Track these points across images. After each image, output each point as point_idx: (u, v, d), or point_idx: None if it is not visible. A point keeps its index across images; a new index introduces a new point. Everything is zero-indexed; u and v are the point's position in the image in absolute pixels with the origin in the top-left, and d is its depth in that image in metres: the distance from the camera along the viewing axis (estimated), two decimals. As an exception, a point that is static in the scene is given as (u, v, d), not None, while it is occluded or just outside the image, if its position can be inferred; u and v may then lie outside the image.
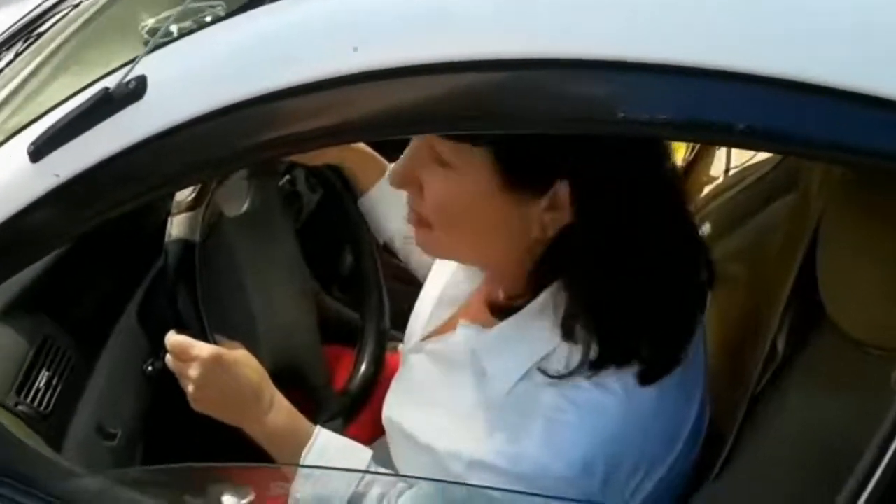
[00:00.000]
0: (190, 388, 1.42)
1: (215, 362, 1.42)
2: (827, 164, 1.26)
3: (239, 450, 1.60)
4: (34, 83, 1.52)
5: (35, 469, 1.38)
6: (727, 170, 2.05)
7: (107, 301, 1.74)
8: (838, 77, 0.88)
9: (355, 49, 0.99)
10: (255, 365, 1.47)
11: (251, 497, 1.34)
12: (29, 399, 1.52)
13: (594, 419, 1.19)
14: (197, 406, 1.44)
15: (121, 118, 1.09)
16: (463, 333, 1.36)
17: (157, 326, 1.67)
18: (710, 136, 1.01)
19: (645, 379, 1.21)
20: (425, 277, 1.71)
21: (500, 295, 1.33)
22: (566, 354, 1.23)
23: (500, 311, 1.31)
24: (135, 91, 1.08)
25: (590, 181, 1.15)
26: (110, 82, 1.09)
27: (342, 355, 1.92)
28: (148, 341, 1.71)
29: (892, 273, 1.08)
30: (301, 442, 1.43)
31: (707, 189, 2.03)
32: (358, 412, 1.73)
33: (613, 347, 1.21)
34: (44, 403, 1.53)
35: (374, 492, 1.39)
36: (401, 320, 1.74)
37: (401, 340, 1.82)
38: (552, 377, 1.22)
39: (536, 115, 0.99)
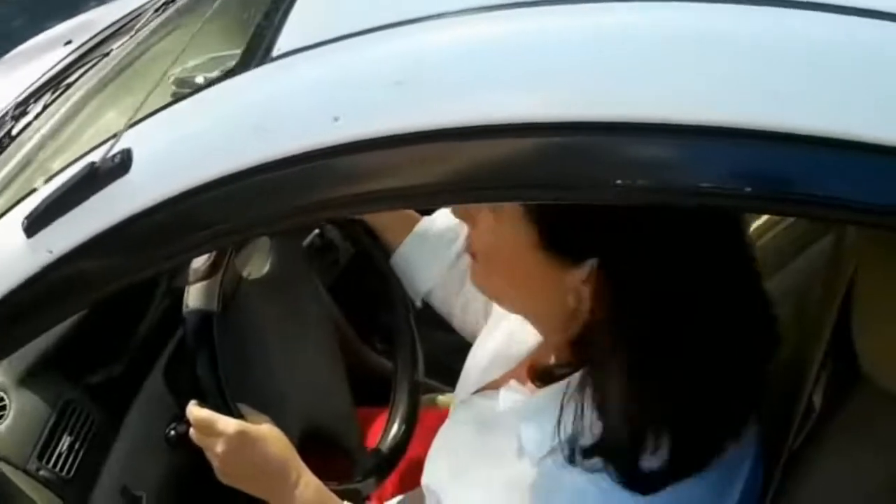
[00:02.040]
0: (216, 463, 1.41)
1: (240, 439, 1.39)
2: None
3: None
4: (61, 138, 1.52)
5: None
6: (768, 209, 1.99)
7: (131, 364, 1.72)
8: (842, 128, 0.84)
9: (336, 119, 0.95)
10: (281, 440, 1.44)
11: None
12: (51, 464, 1.51)
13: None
14: (224, 480, 1.43)
15: (108, 193, 1.07)
16: (506, 396, 1.32)
17: (183, 390, 1.66)
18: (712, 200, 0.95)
19: (675, 474, 1.14)
20: (469, 334, 1.67)
21: (550, 361, 1.28)
22: (597, 434, 1.16)
23: (540, 377, 1.26)
24: (120, 165, 1.05)
25: (627, 261, 1.09)
26: (96, 156, 1.08)
27: (375, 416, 1.89)
28: (174, 404, 1.69)
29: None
30: None
31: (750, 229, 1.96)
32: (391, 470, 1.69)
33: (642, 432, 1.14)
34: (66, 468, 1.53)
35: None
36: (441, 369, 1.71)
37: (437, 391, 1.79)
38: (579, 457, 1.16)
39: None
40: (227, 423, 1.39)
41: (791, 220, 1.75)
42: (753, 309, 1.18)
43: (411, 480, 1.51)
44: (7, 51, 2.98)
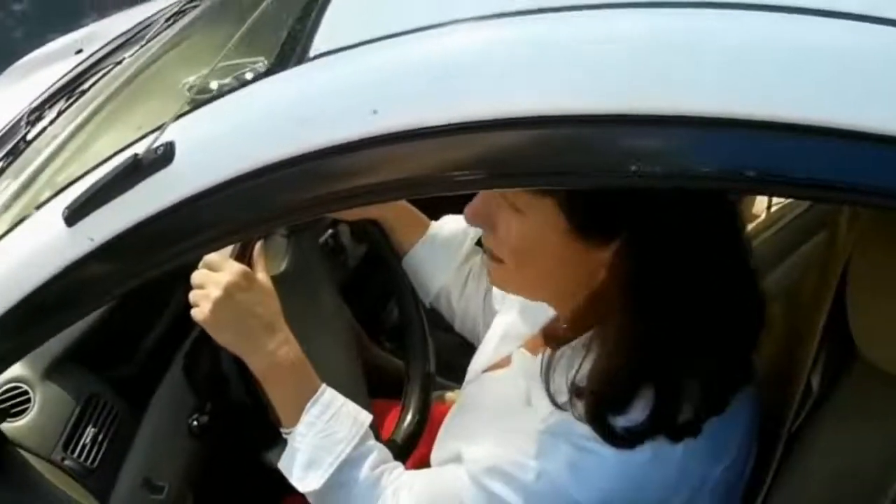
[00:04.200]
0: (206, 304, 1.40)
1: (244, 278, 1.41)
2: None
3: (282, 499, 1.61)
4: (77, 141, 1.55)
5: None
6: (769, 207, 2.03)
7: (153, 356, 1.76)
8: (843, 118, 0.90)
9: (374, 112, 1.01)
10: (277, 301, 1.46)
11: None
12: (76, 454, 1.55)
13: (622, 457, 1.19)
14: (206, 323, 1.41)
15: (151, 183, 1.11)
16: (517, 359, 1.39)
17: (203, 381, 1.70)
18: (725, 184, 1.02)
19: (681, 432, 1.20)
20: (469, 333, 1.76)
21: (562, 327, 1.33)
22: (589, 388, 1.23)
23: (554, 339, 1.32)
24: (163, 157, 1.10)
25: (652, 234, 1.16)
26: (140, 148, 1.12)
27: (389, 409, 1.90)
28: (193, 395, 1.72)
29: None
30: (302, 388, 1.43)
31: (749, 227, 2.01)
32: (404, 461, 1.71)
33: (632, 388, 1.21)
34: (90, 458, 1.57)
35: (372, 459, 1.41)
36: (447, 370, 1.74)
37: (447, 388, 1.82)
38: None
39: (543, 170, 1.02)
40: (236, 264, 1.43)
41: (786, 220, 1.81)
42: (744, 284, 1.24)
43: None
44: (9, 61, 3.01)
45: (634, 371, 1.20)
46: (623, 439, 1.19)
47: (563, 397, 1.24)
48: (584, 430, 1.20)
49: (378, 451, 1.44)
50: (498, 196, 1.23)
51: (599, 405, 1.20)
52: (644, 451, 1.19)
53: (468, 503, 1.28)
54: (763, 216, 2.03)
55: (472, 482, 1.28)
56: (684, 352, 1.19)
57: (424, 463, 1.51)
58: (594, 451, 1.20)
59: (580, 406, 1.20)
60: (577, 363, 1.24)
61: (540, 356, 1.31)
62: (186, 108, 1.15)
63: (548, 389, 1.25)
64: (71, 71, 2.28)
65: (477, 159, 1.02)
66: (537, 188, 1.15)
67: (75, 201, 1.15)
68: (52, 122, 1.88)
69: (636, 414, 1.19)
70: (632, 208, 1.14)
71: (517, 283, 1.34)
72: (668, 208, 1.13)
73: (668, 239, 1.16)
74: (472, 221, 1.31)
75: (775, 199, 2.01)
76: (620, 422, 1.19)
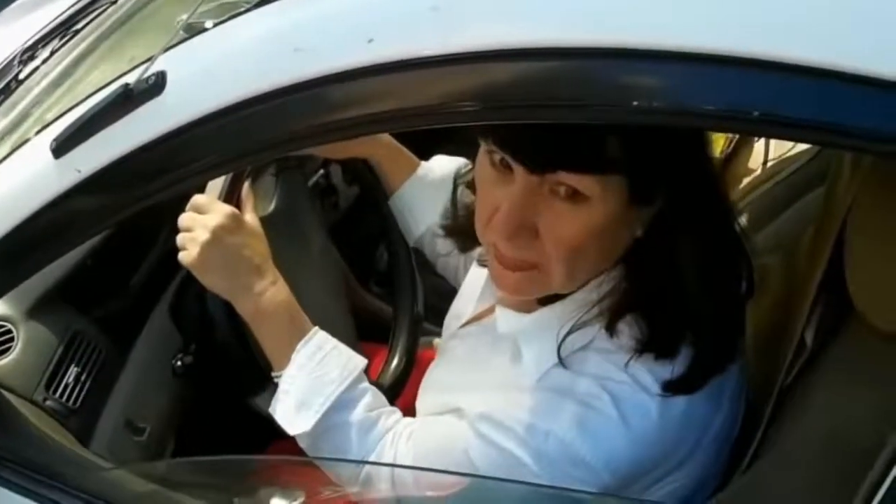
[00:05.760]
0: (194, 247, 1.39)
1: (233, 221, 1.40)
2: (851, 152, 1.24)
3: (270, 444, 1.60)
4: (70, 80, 1.53)
5: (62, 464, 1.39)
6: (765, 162, 2.03)
7: (139, 296, 1.75)
8: (853, 62, 0.87)
9: (370, 41, 0.98)
10: (265, 243, 1.45)
11: (302, 499, 1.33)
12: (57, 394, 1.53)
13: (629, 414, 1.19)
14: (194, 264, 1.40)
15: (141, 114, 1.09)
16: (501, 316, 1.35)
17: (189, 321, 1.68)
18: (728, 124, 1.00)
19: (683, 385, 1.20)
20: (451, 278, 1.75)
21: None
22: (605, 346, 1.23)
23: (547, 298, 1.29)
24: (154, 86, 1.08)
25: (682, 190, 1.17)
26: (131, 78, 1.10)
27: (376, 353, 1.90)
28: (179, 336, 1.72)
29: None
30: (293, 331, 1.43)
31: (745, 181, 2.02)
32: (391, 403, 1.72)
33: (658, 340, 1.21)
34: (72, 399, 1.55)
35: (366, 401, 1.40)
36: (435, 315, 1.73)
37: (435, 334, 1.82)
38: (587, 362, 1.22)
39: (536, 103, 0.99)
40: (224, 205, 1.41)
41: (783, 175, 1.80)
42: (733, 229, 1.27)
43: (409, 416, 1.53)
44: (4, 4, 2.97)
45: (676, 319, 1.21)
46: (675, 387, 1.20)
47: (565, 352, 1.23)
48: (589, 387, 1.20)
49: (372, 393, 1.43)
50: (540, 192, 1.16)
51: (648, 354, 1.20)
52: (652, 411, 1.19)
53: (476, 458, 1.26)
54: (759, 170, 2.03)
55: (479, 438, 1.26)
56: (704, 297, 1.20)
57: (410, 408, 1.49)
58: (600, 409, 1.19)
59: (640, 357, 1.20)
60: (573, 320, 1.24)
61: (529, 314, 1.30)
62: (178, 39, 1.12)
63: (559, 346, 1.24)
64: (66, 11, 2.25)
65: (474, 91, 0.99)
66: (603, 168, 1.12)
67: (63, 133, 1.13)
68: (44, 62, 1.86)
69: (680, 362, 1.20)
70: (671, 168, 1.15)
71: (558, 281, 1.24)
72: (693, 155, 1.17)
73: (696, 183, 1.18)
74: (510, 233, 1.19)
75: (772, 153, 2.01)
76: (667, 366, 1.20)
